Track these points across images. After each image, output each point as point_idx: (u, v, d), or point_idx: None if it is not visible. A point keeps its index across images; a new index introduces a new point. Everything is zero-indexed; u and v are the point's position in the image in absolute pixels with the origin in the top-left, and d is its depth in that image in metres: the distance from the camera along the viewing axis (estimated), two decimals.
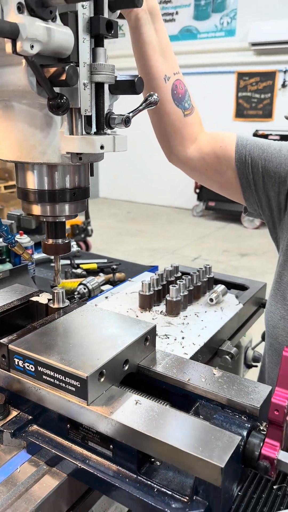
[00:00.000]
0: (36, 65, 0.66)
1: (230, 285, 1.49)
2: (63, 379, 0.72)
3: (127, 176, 9.42)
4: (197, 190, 8.30)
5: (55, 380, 0.73)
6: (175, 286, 1.24)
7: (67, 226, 3.65)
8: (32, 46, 0.64)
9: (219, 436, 0.64)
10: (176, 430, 0.66)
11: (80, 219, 5.61)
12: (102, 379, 0.72)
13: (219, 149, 1.11)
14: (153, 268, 1.89)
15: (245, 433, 0.67)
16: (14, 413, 0.80)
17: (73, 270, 2.02)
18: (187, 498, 0.63)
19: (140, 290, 1.28)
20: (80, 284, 1.72)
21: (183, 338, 1.12)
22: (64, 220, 0.90)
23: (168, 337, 1.12)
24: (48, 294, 0.99)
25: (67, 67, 0.67)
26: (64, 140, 0.75)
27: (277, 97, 8.15)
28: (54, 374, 0.73)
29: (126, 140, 0.81)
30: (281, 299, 1.10)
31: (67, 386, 0.72)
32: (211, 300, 1.31)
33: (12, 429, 0.76)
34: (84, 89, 0.74)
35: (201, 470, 0.61)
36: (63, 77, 0.67)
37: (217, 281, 1.46)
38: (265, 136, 7.57)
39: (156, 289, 1.30)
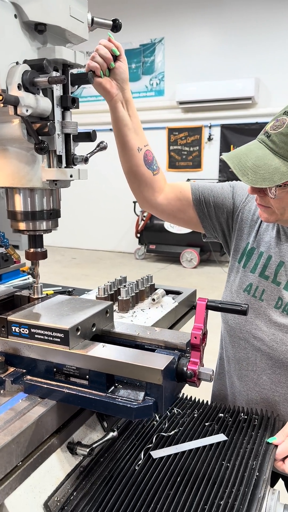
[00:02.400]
0: (28, 122, 1.02)
1: (168, 292, 1.85)
2: (51, 334, 1.02)
3: (70, 224, 9.78)
4: (138, 235, 8.81)
5: (45, 336, 1.03)
6: (125, 288, 1.58)
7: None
8: (27, 110, 0.99)
9: (160, 356, 0.97)
10: (132, 355, 0.98)
11: (27, 264, 5.85)
12: (78, 333, 1.04)
13: (179, 194, 1.51)
14: None
15: (176, 357, 1.00)
16: (11, 369, 1.08)
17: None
18: (141, 400, 0.95)
19: (97, 294, 1.61)
20: None
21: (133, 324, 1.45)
22: (42, 234, 1.22)
23: None
24: (29, 291, 1.29)
25: (48, 123, 1.03)
26: (44, 171, 1.10)
27: (204, 149, 9.04)
28: (43, 331, 1.03)
29: (87, 172, 1.17)
30: (228, 292, 1.45)
31: (54, 338, 1.02)
32: (153, 299, 1.66)
33: (12, 378, 1.04)
34: (58, 138, 1.10)
35: (149, 375, 0.93)
36: (46, 129, 1.03)
37: (157, 289, 1.82)
38: None
39: (110, 293, 1.63)
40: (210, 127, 8.86)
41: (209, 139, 8.92)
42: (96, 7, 8.15)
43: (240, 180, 1.16)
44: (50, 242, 10.09)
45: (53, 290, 2.46)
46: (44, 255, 1.24)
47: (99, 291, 1.60)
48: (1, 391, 1.05)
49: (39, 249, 1.22)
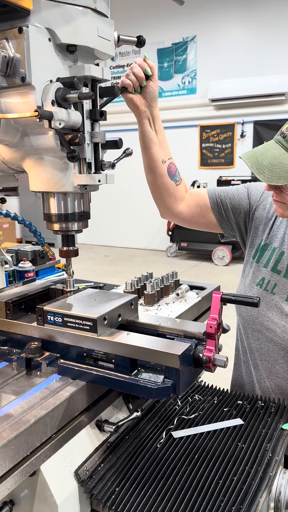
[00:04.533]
0: (61, 134, 1.14)
1: (192, 287, 1.94)
2: (81, 322, 1.15)
3: (103, 223, 9.98)
4: (170, 233, 8.90)
5: (76, 324, 1.16)
6: (150, 283, 1.69)
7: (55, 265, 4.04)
8: (60, 123, 1.12)
9: (178, 343, 1.08)
10: (153, 342, 1.09)
11: (62, 262, 6.06)
12: (106, 322, 1.16)
13: (198, 200, 1.61)
14: None
15: (193, 345, 1.10)
16: (46, 353, 1.21)
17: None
18: (160, 382, 1.06)
19: (124, 288, 1.73)
20: None
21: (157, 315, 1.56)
22: (74, 233, 1.35)
23: None
24: (63, 284, 1.42)
25: (79, 134, 1.15)
26: (75, 177, 1.23)
27: (237, 146, 9.02)
28: (75, 320, 1.16)
29: (113, 177, 1.29)
30: (242, 286, 1.55)
31: (84, 326, 1.14)
32: (177, 294, 1.76)
33: (47, 361, 1.17)
34: (88, 147, 1.22)
35: (167, 360, 1.04)
36: (77, 140, 1.15)
37: (181, 284, 1.92)
38: (228, 182, 8.33)
39: (136, 287, 1.74)
40: (242, 123, 8.83)
41: (242, 135, 8.89)
42: (129, 8, 8.28)
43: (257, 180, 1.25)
44: (84, 240, 10.35)
45: (85, 285, 2.61)
46: (75, 253, 1.36)
47: (127, 286, 1.72)
48: (38, 373, 1.18)
49: (71, 248, 1.35)
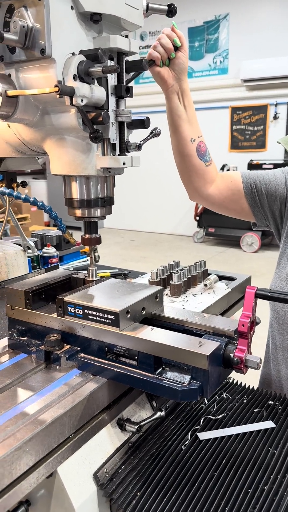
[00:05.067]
0: (84, 112, 1.05)
1: (221, 277, 1.84)
2: (103, 315, 1.07)
3: (130, 207, 9.90)
4: (197, 218, 8.74)
5: (97, 317, 1.08)
6: (177, 273, 1.60)
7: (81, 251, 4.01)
8: (82, 100, 1.03)
9: (206, 341, 0.99)
10: (179, 340, 1.01)
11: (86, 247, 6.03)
12: (128, 316, 1.08)
13: (230, 184, 1.50)
14: None
15: (223, 344, 1.01)
16: (67, 346, 1.15)
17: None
18: (187, 383, 0.98)
19: (150, 278, 1.64)
20: None
21: (183, 309, 1.47)
22: (96, 220, 1.27)
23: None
24: (85, 273, 1.35)
25: (102, 112, 1.06)
26: (99, 159, 1.14)
27: (270, 129, 8.71)
28: (96, 313, 1.08)
29: (139, 159, 1.20)
30: (278, 279, 1.44)
31: (105, 320, 1.07)
32: (205, 285, 1.66)
33: (67, 354, 1.11)
34: (112, 126, 1.13)
35: (195, 360, 0.95)
36: (100, 118, 1.06)
37: (210, 274, 1.82)
38: (260, 165, 8.08)
39: (162, 277, 1.66)
40: (276, 105, 8.51)
41: (275, 117, 8.57)
42: None
43: None
44: (110, 225, 10.31)
45: (109, 272, 2.54)
46: (98, 241, 1.28)
47: (152, 275, 1.63)
48: (57, 367, 1.12)
49: (93, 235, 1.27)
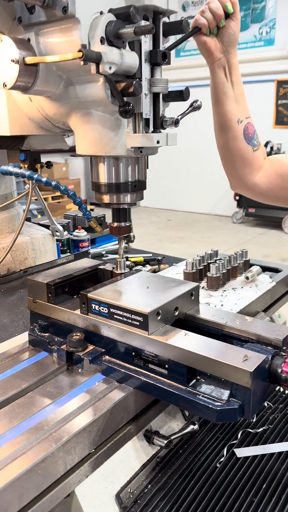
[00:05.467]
0: (112, 81, 0.91)
1: (265, 269, 1.67)
2: (130, 316, 0.95)
3: (167, 186, 9.68)
4: (237, 197, 8.43)
5: (123, 318, 0.96)
6: (215, 264, 1.45)
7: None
8: (110, 68, 0.88)
9: (250, 353, 0.85)
10: (217, 349, 0.87)
11: None
12: (159, 318, 0.95)
13: (279, 168, 1.32)
14: None
15: (270, 356, 0.87)
16: (91, 347, 1.03)
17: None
18: (225, 400, 0.84)
19: (185, 268, 1.50)
20: None
21: (222, 305, 1.33)
22: (126, 207, 1.13)
23: (209, 304, 1.33)
24: (113, 264, 1.23)
25: (134, 81, 0.91)
26: (129, 137, 0.99)
27: None
28: (123, 313, 0.96)
29: (176, 137, 1.04)
30: None
31: (132, 321, 0.94)
32: (247, 278, 1.51)
33: (91, 357, 0.99)
34: (145, 98, 0.98)
35: (235, 375, 0.81)
36: (131, 89, 0.92)
37: (252, 265, 1.65)
38: None
39: (199, 268, 1.51)
40: None
41: None
42: None
43: None
44: (147, 203, 10.15)
45: (143, 257, 2.41)
46: (127, 230, 1.15)
47: (187, 266, 1.49)
48: (80, 370, 1.01)
49: (123, 223, 1.14)
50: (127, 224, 1.15)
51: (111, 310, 0.98)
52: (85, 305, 1.03)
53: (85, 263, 1.26)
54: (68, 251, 2.14)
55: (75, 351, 1.01)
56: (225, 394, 0.86)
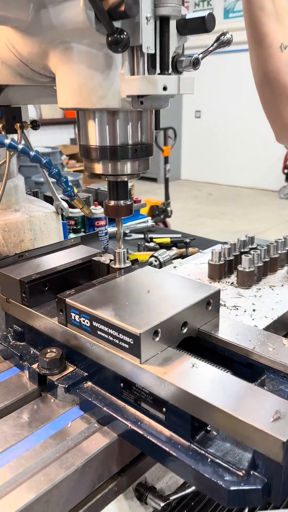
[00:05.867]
0: None
1: None
2: (117, 335, 0.68)
3: (209, 157, 9.20)
4: (286, 171, 7.86)
5: (109, 336, 0.69)
6: (248, 256, 1.14)
7: (147, 208, 3.62)
8: None
9: (285, 409, 0.56)
10: (235, 397, 0.59)
11: (160, 200, 5.61)
12: (157, 339, 0.68)
13: None
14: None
15: None
16: (70, 368, 0.78)
17: (146, 244, 1.99)
18: (244, 472, 0.57)
19: (210, 259, 1.21)
20: (152, 256, 1.69)
21: (254, 310, 1.03)
22: (126, 179, 0.85)
23: (237, 308, 1.04)
24: (111, 255, 0.96)
25: None
26: (124, 81, 0.70)
27: None
28: (108, 329, 0.69)
29: (193, 82, 0.74)
30: None
31: (120, 342, 0.68)
32: None
33: (67, 384, 0.74)
34: (147, 24, 0.67)
35: (261, 443, 0.54)
36: (122, 7, 0.62)
37: None
38: None
39: (227, 259, 1.21)
40: None
41: None
42: None
43: None
44: (187, 176, 9.72)
45: (169, 238, 2.13)
46: (128, 210, 0.87)
47: (213, 256, 1.19)
48: (52, 400, 0.76)
49: (121, 202, 0.86)
50: (128, 203, 0.87)
51: (94, 323, 0.72)
52: (63, 313, 0.77)
53: (78, 252, 0.99)
54: (82, 230, 1.89)
55: (47, 374, 0.76)
56: (245, 459, 0.59)
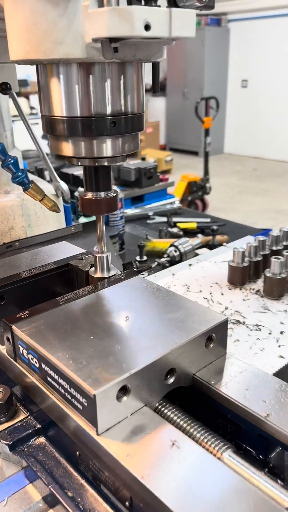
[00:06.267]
0: None
1: None
2: (69, 389, 0.48)
3: (255, 130, 8.65)
4: None
5: (60, 388, 0.49)
6: (279, 259, 0.90)
7: (184, 184, 3.41)
8: None
9: None
10: (224, 507, 0.37)
11: (199, 175, 5.29)
12: (125, 398, 0.47)
13: None
14: (265, 232, 1.53)
15: None
16: (21, 415, 0.59)
17: (169, 229, 1.76)
18: None
19: (231, 260, 0.97)
20: (171, 245, 1.47)
21: (281, 333, 0.80)
22: (106, 164, 0.63)
23: (261, 329, 0.81)
24: (91, 260, 0.75)
25: None
26: (88, 18, 0.47)
27: None
28: (58, 378, 0.49)
29: (193, 19, 0.50)
30: None
31: (73, 400, 0.48)
32: None
33: (12, 439, 0.55)
34: None
35: None
36: None
37: None
38: None
39: (253, 260, 0.97)
40: None
41: None
42: None
43: None
44: (231, 150, 9.24)
45: (196, 223, 1.88)
46: (110, 206, 0.65)
47: (235, 256, 0.96)
48: None
49: (102, 194, 0.64)
50: (111, 195, 0.65)
51: (43, 366, 0.52)
52: (10, 342, 0.58)
53: (57, 252, 0.79)
54: None
55: None
56: None
